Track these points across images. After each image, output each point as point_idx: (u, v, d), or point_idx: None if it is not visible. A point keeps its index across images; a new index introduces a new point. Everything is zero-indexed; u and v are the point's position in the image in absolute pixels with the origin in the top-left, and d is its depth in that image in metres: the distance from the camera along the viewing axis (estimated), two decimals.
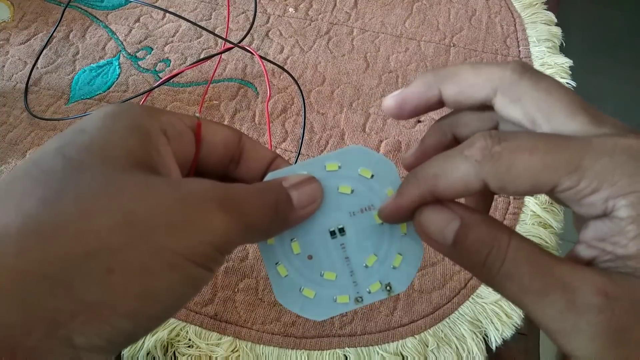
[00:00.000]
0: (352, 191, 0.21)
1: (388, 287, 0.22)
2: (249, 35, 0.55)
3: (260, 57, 0.48)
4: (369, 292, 0.22)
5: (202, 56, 0.54)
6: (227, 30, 0.55)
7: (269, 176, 0.21)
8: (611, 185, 0.16)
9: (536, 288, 0.16)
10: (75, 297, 0.14)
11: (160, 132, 0.19)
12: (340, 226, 0.21)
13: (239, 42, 0.47)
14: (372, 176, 0.21)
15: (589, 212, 0.17)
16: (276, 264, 0.21)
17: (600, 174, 0.16)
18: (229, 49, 0.51)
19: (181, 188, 0.17)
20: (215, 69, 0.51)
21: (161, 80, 0.45)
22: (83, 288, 0.14)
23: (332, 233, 0.21)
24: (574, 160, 0.16)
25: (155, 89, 0.51)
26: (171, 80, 0.52)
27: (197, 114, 0.21)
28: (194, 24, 0.47)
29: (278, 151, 0.47)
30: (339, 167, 0.21)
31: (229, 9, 0.56)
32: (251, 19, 0.56)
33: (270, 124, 0.48)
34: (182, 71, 0.45)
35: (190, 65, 0.45)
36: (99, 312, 0.14)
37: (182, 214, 0.16)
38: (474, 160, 0.17)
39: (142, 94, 0.49)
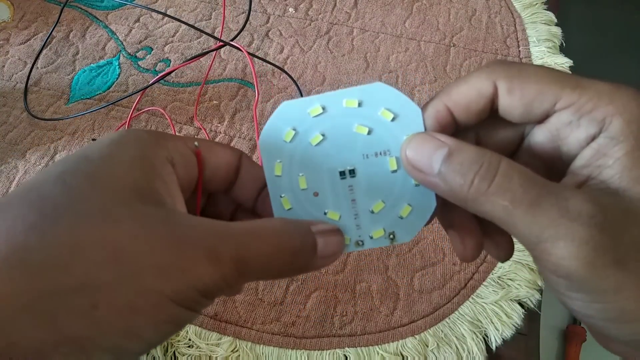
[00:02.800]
0: (369, 132, 0.20)
1: (391, 236, 0.21)
2: (249, 35, 0.55)
3: (251, 54, 0.48)
4: (371, 238, 0.21)
5: None
6: (222, 28, 0.55)
7: (283, 106, 0.20)
8: (609, 103, 0.17)
9: (529, 198, 0.17)
10: (59, 329, 0.14)
11: (166, 160, 0.19)
12: (351, 168, 0.21)
13: (231, 40, 0.47)
14: (394, 119, 0.20)
15: (579, 137, 0.18)
16: (281, 196, 0.21)
17: (598, 92, 0.18)
18: (220, 47, 0.51)
19: (176, 230, 0.17)
20: (210, 66, 0.51)
21: (156, 78, 0.45)
22: (67, 321, 0.14)
23: (342, 173, 0.21)
24: (575, 80, 0.18)
25: (156, 90, 0.51)
26: (172, 81, 0.52)
27: (196, 143, 0.21)
28: (192, 26, 0.47)
29: None
30: (359, 105, 0.20)
31: (224, 8, 0.56)
32: (252, 19, 0.56)
33: None
34: (177, 68, 0.45)
35: (183, 62, 0.45)
36: (82, 345, 0.15)
37: (172, 257, 0.16)
38: (486, 65, 0.19)
39: (138, 92, 0.48)
